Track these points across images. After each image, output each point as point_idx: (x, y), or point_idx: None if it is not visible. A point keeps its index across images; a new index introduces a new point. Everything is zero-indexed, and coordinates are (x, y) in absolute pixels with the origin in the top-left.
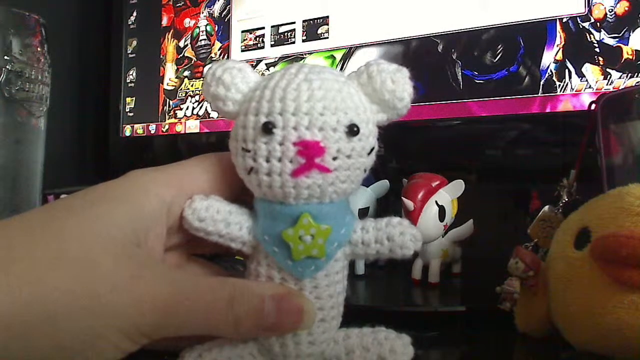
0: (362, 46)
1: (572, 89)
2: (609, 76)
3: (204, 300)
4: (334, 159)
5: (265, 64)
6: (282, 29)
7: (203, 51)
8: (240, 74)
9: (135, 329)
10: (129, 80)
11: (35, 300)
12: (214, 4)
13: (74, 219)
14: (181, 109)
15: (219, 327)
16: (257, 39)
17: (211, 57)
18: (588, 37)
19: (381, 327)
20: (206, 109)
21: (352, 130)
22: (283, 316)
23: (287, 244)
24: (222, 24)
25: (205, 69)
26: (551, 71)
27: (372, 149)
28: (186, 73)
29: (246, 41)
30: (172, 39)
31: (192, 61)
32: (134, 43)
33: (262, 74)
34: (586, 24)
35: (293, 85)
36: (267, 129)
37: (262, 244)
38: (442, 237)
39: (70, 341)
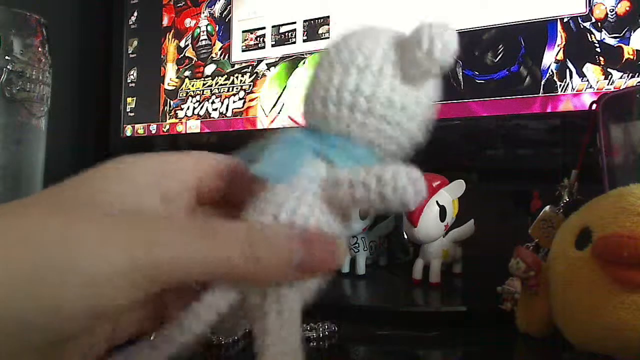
0: None
1: (573, 88)
2: (610, 76)
3: (220, 238)
4: None
5: (266, 64)
6: (282, 29)
7: (204, 51)
8: None
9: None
10: (129, 80)
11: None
12: (214, 4)
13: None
14: (182, 109)
15: (236, 266)
16: (258, 39)
17: (212, 57)
18: (589, 37)
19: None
20: (207, 109)
21: None
22: (313, 251)
23: None
24: (223, 24)
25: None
26: (552, 71)
27: None
28: (187, 73)
29: (247, 41)
30: (173, 39)
31: (193, 61)
32: (135, 43)
33: (263, 74)
34: (587, 24)
35: None
36: None
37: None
38: (443, 237)
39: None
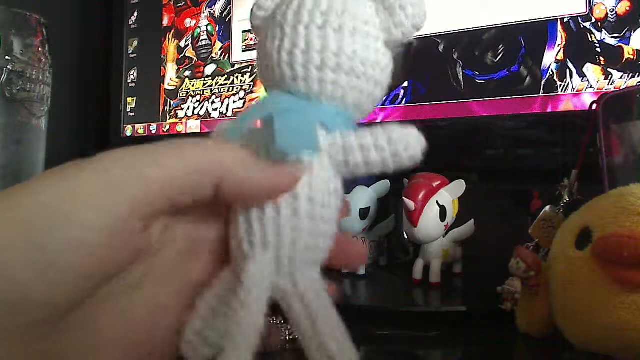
0: None
1: (573, 88)
2: (610, 76)
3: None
4: None
5: None
6: None
7: (204, 51)
8: None
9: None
10: (130, 80)
11: None
12: (214, 4)
13: None
14: (182, 109)
15: (228, 169)
16: None
17: (212, 57)
18: (589, 37)
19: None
20: (207, 109)
21: None
22: None
23: None
24: (223, 24)
25: None
26: (552, 71)
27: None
28: (187, 73)
29: (247, 41)
30: (173, 39)
31: (193, 61)
32: (135, 43)
33: None
34: (587, 24)
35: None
36: None
37: None
38: (443, 237)
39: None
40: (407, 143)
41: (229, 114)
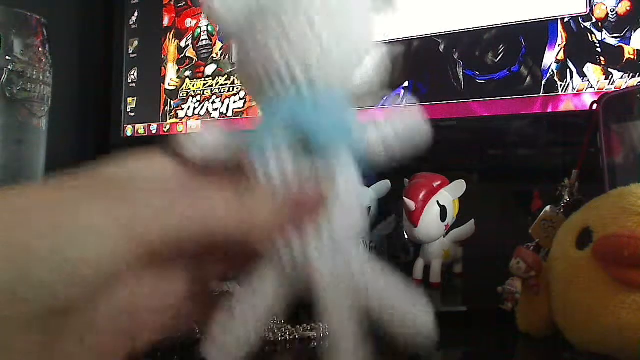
0: None
1: (573, 88)
2: (610, 76)
3: (203, 193)
4: None
5: None
6: None
7: (204, 51)
8: None
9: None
10: (130, 81)
11: None
12: None
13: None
14: (182, 109)
15: (220, 217)
16: None
17: (212, 57)
18: (590, 37)
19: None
20: (207, 109)
21: None
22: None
23: None
24: None
25: None
26: (553, 71)
27: None
28: (187, 73)
29: None
30: (174, 39)
31: (194, 61)
32: (135, 43)
33: None
34: (588, 24)
35: None
36: None
37: None
38: (444, 237)
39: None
40: (417, 120)
41: (230, 114)
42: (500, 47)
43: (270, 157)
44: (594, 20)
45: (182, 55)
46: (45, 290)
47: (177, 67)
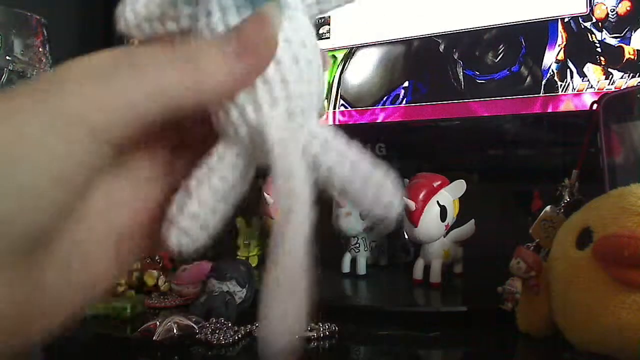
0: (364, 46)
1: (573, 88)
2: (610, 76)
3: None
4: None
5: None
6: None
7: None
8: None
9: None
10: None
11: None
12: None
13: None
14: None
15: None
16: None
17: None
18: (590, 37)
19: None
20: None
21: None
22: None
23: None
24: None
25: None
26: (553, 71)
27: None
28: None
29: None
30: None
31: None
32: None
33: None
34: (588, 24)
35: None
36: None
37: None
38: (444, 237)
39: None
40: None
41: None
42: (501, 47)
43: (213, 9)
44: (594, 20)
45: None
46: (8, 224)
47: None
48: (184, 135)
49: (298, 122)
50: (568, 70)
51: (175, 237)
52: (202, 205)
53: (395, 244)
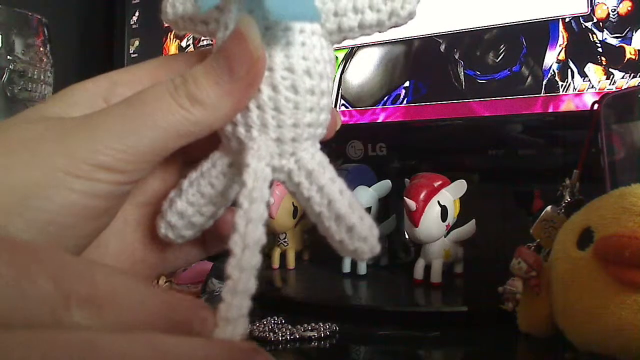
0: (364, 46)
1: (574, 89)
2: (611, 76)
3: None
4: None
5: None
6: None
7: None
8: None
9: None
10: None
11: None
12: None
13: None
14: None
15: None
16: None
17: None
18: (591, 37)
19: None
20: None
21: None
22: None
23: None
24: None
25: None
26: (554, 71)
27: None
28: None
29: None
30: (175, 39)
31: None
32: (136, 43)
33: None
34: (589, 24)
35: None
36: None
37: None
38: (444, 237)
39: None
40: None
41: None
42: (501, 47)
43: (230, 24)
44: (595, 20)
45: None
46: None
47: None
48: (193, 150)
49: (286, 150)
50: (569, 70)
51: (163, 229)
52: (189, 205)
53: (396, 244)
